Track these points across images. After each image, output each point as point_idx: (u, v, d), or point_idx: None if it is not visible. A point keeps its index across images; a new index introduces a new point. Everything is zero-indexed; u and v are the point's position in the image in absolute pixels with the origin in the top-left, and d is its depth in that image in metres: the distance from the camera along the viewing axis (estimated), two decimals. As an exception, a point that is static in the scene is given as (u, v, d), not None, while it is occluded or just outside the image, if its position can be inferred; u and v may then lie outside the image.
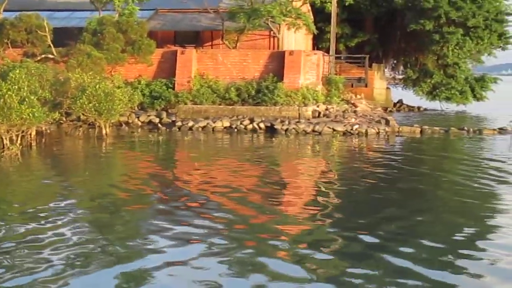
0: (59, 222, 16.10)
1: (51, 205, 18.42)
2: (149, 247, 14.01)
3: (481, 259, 13.22)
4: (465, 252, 13.71)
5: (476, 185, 22.46)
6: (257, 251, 13.78)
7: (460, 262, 12.92)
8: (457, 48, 58.49)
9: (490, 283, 11.99)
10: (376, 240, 14.59)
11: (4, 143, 29.31)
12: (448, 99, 61.39)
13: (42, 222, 16.15)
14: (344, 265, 12.89)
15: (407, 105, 63.53)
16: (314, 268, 12.67)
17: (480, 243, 14.52)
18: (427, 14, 56.67)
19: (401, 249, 13.91)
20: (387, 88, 63.04)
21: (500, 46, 61.66)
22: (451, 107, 62.72)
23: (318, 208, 18.52)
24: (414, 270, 12.30)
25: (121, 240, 14.66)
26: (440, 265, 12.91)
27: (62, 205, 18.47)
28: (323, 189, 21.73)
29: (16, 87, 31.19)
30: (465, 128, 40.86)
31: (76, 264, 12.70)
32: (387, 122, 40.83)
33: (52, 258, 12.95)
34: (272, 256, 13.46)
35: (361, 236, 14.88)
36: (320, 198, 20.08)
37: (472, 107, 61.81)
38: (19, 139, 29.99)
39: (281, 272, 12.21)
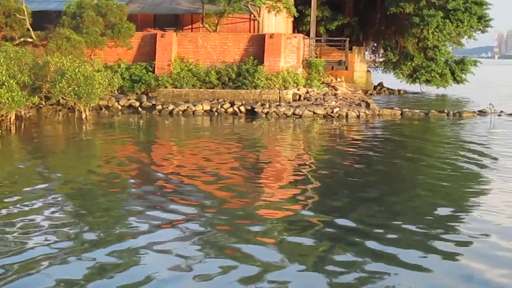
0: (35, 206, 16.10)
1: (28, 189, 18.34)
2: (125, 230, 14.05)
3: (454, 240, 13.29)
4: (438, 232, 13.82)
5: (453, 167, 22.62)
6: (231, 235, 13.82)
7: (434, 243, 12.99)
8: (437, 31, 58.61)
9: (463, 262, 12.09)
10: (353, 224, 14.67)
11: (-17, 127, 29.22)
12: (428, 82, 61.64)
13: (18, 205, 16.14)
14: (321, 247, 12.97)
15: (388, 88, 63.73)
16: (290, 251, 12.70)
17: (454, 224, 14.75)
18: (407, -4, 56.80)
19: (377, 230, 14.01)
20: (368, 71, 63.21)
21: (480, 29, 61.84)
22: (431, 90, 62.98)
23: (296, 191, 18.57)
24: (389, 251, 12.41)
25: (97, 225, 14.66)
26: (414, 246, 13.00)
27: (39, 189, 18.38)
28: (301, 172, 21.86)
29: (-5, 71, 31.05)
30: (445, 111, 41.08)
31: (50, 248, 12.68)
32: (368, 105, 40.97)
33: (26, 242, 12.98)
34: (246, 239, 13.51)
35: (338, 220, 14.97)
36: (298, 182, 20.14)
37: (452, 90, 62.14)
38: (-3, 123, 29.89)
39: (255, 256, 12.21)
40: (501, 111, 41.06)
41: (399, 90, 63.09)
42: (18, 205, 16.16)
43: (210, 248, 12.74)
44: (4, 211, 15.54)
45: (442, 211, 16.04)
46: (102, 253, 12.50)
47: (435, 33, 58.80)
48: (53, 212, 15.68)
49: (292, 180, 20.57)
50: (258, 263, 11.81)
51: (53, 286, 10.52)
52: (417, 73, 61.63)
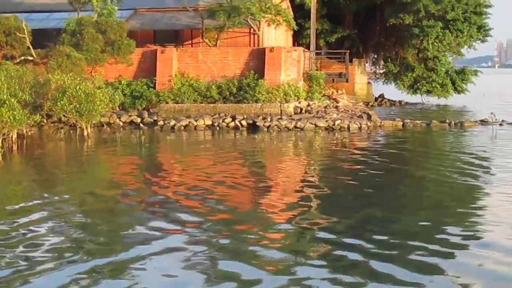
0: (36, 223, 16.12)
1: (30, 205, 18.37)
2: (123, 241, 14.16)
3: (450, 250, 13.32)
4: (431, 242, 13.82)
5: (455, 182, 22.35)
6: (234, 240, 13.84)
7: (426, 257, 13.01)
8: (437, 41, 58.72)
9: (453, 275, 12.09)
10: (358, 241, 14.65)
11: (-15, 146, 29.20)
12: (429, 92, 61.82)
13: (20, 221, 16.18)
14: (322, 249, 12.98)
15: (389, 100, 63.77)
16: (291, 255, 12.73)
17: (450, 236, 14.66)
18: (406, 8, 56.92)
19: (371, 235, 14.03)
20: (368, 82, 63.38)
21: (480, 39, 61.93)
22: (432, 101, 63.01)
23: (299, 209, 18.46)
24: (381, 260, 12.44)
25: (98, 240, 14.68)
26: (410, 260, 12.98)
27: (41, 206, 18.33)
28: (304, 188, 21.68)
29: (-4, 90, 31.07)
30: (447, 121, 41.02)
31: (52, 259, 12.73)
32: (369, 117, 40.91)
33: (28, 255, 13.09)
34: (248, 246, 13.52)
35: (343, 238, 14.99)
36: (300, 199, 20.00)
37: (453, 100, 62.11)
38: (0, 142, 29.86)
39: (258, 261, 12.27)
40: (503, 121, 40.98)
41: (400, 101, 63.16)
42: (20, 221, 16.20)
43: (214, 252, 12.85)
44: (6, 226, 15.60)
45: (451, 219, 16.09)
46: (106, 260, 12.59)
47: (435, 43, 58.90)
48: (51, 227, 15.76)
49: (295, 197, 20.45)
50: (261, 266, 11.96)
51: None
52: (418, 83, 61.82)
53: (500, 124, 40.20)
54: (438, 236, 14.53)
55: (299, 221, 16.49)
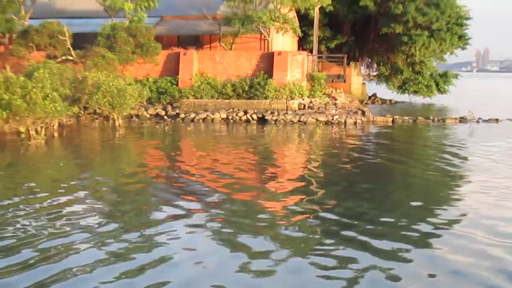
0: (73, 201, 16.29)
1: (68, 185, 18.52)
2: (151, 218, 14.26)
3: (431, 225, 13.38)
4: (416, 220, 13.87)
5: (435, 169, 22.60)
6: (242, 219, 13.91)
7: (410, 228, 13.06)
8: (423, 48, 58.75)
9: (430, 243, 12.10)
10: (350, 212, 14.68)
11: (31, 133, 29.32)
12: (416, 92, 61.85)
13: (60, 199, 16.32)
14: (319, 228, 13.01)
15: (380, 98, 63.60)
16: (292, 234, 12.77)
17: (426, 215, 14.70)
18: (397, 19, 56.86)
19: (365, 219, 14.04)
20: (363, 83, 63.28)
21: (460, 46, 61.79)
22: (418, 100, 62.89)
23: (301, 190, 18.59)
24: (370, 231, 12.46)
25: (126, 215, 14.78)
26: (394, 229, 12.99)
27: (78, 186, 18.59)
28: (305, 173, 21.77)
29: (40, 85, 31.21)
30: (431, 118, 41.05)
31: (89, 232, 12.84)
32: (363, 113, 40.92)
33: (65, 228, 13.29)
34: (253, 227, 13.57)
35: (335, 209, 15.01)
36: (302, 182, 20.08)
37: (437, 99, 61.98)
38: (43, 130, 30.00)
39: (263, 242, 12.32)
40: (479, 118, 40.95)
41: (390, 100, 62.93)
42: (59, 199, 16.35)
43: (230, 228, 12.90)
44: (46, 203, 15.69)
45: (429, 206, 16.14)
46: (129, 236, 12.67)
47: (422, 50, 58.97)
48: (88, 204, 15.92)
49: (299, 182, 20.44)
50: (272, 239, 11.97)
51: (87, 264, 10.66)
52: (406, 85, 61.88)
53: (477, 121, 40.18)
54: (421, 218, 14.61)
55: (302, 201, 16.55)
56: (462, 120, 40.77)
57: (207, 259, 11.39)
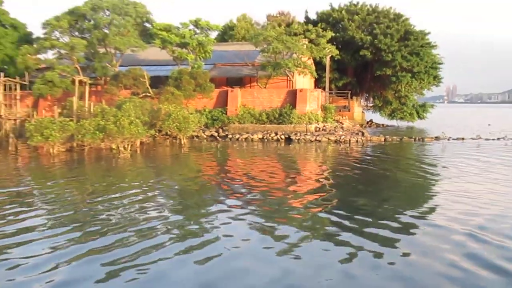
0: (147, 197, 16.51)
1: (145, 184, 18.75)
2: (203, 211, 14.26)
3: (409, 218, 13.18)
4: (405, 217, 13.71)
5: (418, 174, 22.40)
6: (273, 214, 13.85)
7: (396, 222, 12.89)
8: (407, 86, 58.67)
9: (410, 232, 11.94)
10: (350, 207, 14.58)
11: (120, 149, 29.68)
12: (401, 118, 61.81)
13: (138, 195, 16.53)
14: (330, 222, 12.93)
15: (375, 123, 63.30)
16: (309, 226, 12.70)
17: (412, 213, 14.53)
18: (388, 64, 56.74)
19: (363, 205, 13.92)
20: (362, 112, 63.07)
21: (435, 84, 61.69)
22: (403, 124, 62.50)
23: (316, 190, 18.55)
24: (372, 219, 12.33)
25: (187, 208, 14.84)
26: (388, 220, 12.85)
27: (151, 185, 18.83)
28: (319, 178, 21.72)
29: (127, 114, 31.65)
30: (413, 137, 40.87)
31: (160, 220, 12.96)
32: (363, 134, 40.86)
33: (143, 216, 13.52)
34: (280, 219, 13.51)
35: (344, 206, 14.91)
36: (317, 185, 20.06)
37: (417, 124, 61.60)
38: (129, 147, 30.34)
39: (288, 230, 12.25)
40: (450, 137, 40.76)
41: (382, 124, 62.55)
42: (141, 194, 16.53)
43: (264, 220, 12.88)
44: (130, 199, 15.87)
45: (412, 203, 15.98)
46: (188, 223, 12.76)
47: (406, 87, 58.95)
48: (160, 200, 16.13)
49: (316, 182, 20.45)
50: (294, 226, 11.94)
51: (157, 244, 10.74)
52: (394, 113, 61.92)
53: (448, 140, 39.84)
54: (405, 212, 14.46)
55: (316, 199, 16.49)
56: (437, 138, 40.53)
57: (243, 240, 11.50)
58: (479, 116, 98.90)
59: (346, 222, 13.11)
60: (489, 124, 61.68)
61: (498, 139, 40.18)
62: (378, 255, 10.50)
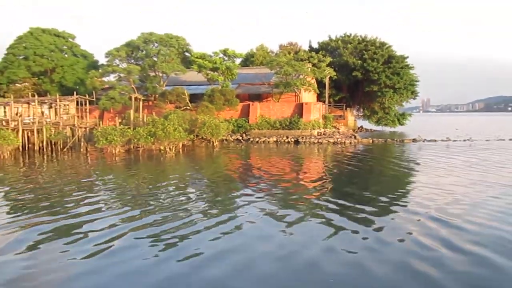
0: (184, 186, 16.54)
1: (183, 177, 18.85)
2: (230, 200, 14.30)
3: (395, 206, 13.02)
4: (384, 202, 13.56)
5: (397, 168, 22.16)
6: (281, 199, 13.75)
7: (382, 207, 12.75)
8: (390, 99, 58.03)
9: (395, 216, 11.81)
10: (343, 195, 14.49)
11: (167, 149, 29.90)
12: (386, 125, 61.12)
13: (179, 185, 16.61)
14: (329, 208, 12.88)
15: (365, 128, 62.69)
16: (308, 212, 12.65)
17: (392, 200, 14.40)
18: (374, 82, 56.30)
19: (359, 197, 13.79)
20: (354, 120, 62.47)
21: (412, 97, 60.91)
22: (387, 129, 61.87)
23: (318, 181, 18.48)
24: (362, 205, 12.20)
25: (215, 197, 14.89)
26: (376, 207, 12.75)
27: (188, 178, 18.89)
28: (320, 172, 21.64)
29: (172, 123, 31.85)
30: (395, 139, 40.37)
31: (196, 205, 13.02)
32: (355, 137, 40.50)
33: (183, 202, 13.48)
34: (288, 206, 13.48)
35: (342, 194, 14.81)
36: (319, 177, 19.99)
37: (398, 129, 60.96)
38: (174, 148, 30.56)
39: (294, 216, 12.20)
40: (425, 139, 40.21)
41: (371, 129, 61.95)
42: (181, 185, 16.59)
43: (279, 209, 12.84)
44: (173, 187, 15.99)
45: (390, 191, 15.83)
46: (216, 210, 12.81)
47: (389, 100, 58.25)
48: (197, 189, 16.12)
49: (318, 174, 20.41)
50: (300, 210, 11.86)
51: (194, 230, 10.83)
52: (380, 120, 61.30)
53: (423, 141, 39.31)
54: (383, 198, 14.35)
55: (317, 188, 16.46)
56: (414, 140, 39.94)
57: (259, 224, 11.44)
58: (448, 123, 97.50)
59: (334, 206, 13.10)
60: (456, 129, 60.78)
61: (464, 140, 39.60)
62: (355, 232, 10.47)
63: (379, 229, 10.63)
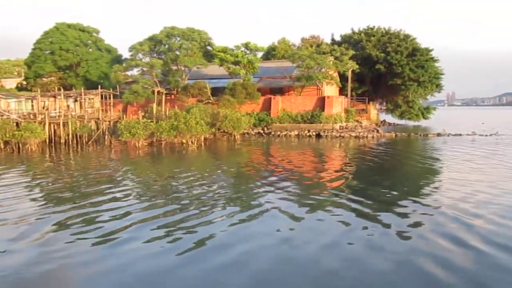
0: (207, 177, 16.65)
1: (206, 170, 19.01)
2: (251, 190, 14.36)
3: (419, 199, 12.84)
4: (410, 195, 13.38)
5: (420, 164, 21.86)
6: (303, 192, 13.75)
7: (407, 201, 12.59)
8: (414, 92, 57.02)
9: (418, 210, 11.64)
10: (362, 191, 14.39)
11: (189, 143, 30.14)
12: (409, 119, 60.07)
13: (202, 175, 16.72)
14: (351, 200, 12.81)
15: (388, 122, 61.90)
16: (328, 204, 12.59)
17: (419, 193, 14.19)
18: (398, 75, 55.35)
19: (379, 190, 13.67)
20: (377, 113, 61.71)
21: (437, 91, 59.68)
22: (411, 123, 60.96)
23: (339, 174, 18.37)
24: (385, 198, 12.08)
25: (237, 187, 14.95)
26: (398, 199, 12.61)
27: (214, 168, 19.02)
28: (342, 165, 21.52)
29: (194, 116, 32.04)
30: (419, 133, 39.80)
31: (217, 195, 13.11)
32: (378, 131, 40.04)
33: (204, 192, 13.56)
34: (311, 197, 13.45)
35: (361, 187, 14.71)
36: (341, 168, 19.88)
37: (422, 123, 60.00)
38: (195, 141, 30.77)
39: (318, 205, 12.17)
40: (449, 133, 39.53)
41: (394, 123, 61.15)
42: (203, 177, 16.76)
43: (297, 205, 12.86)
44: (196, 178, 16.12)
45: (413, 187, 15.61)
46: (237, 201, 12.86)
47: (413, 94, 57.26)
48: (219, 180, 16.23)
49: (339, 167, 20.29)
50: (320, 208, 11.83)
51: (216, 218, 10.94)
52: (403, 114, 60.25)
53: (448, 135, 38.64)
54: (405, 195, 14.17)
55: (337, 183, 16.38)
56: (438, 135, 39.32)
57: (278, 215, 11.51)
58: (474, 117, 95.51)
59: (354, 203, 12.91)
60: (482, 123, 59.53)
61: (490, 135, 38.75)
62: (385, 226, 10.33)
63: (388, 224, 10.49)
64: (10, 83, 61.61)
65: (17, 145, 29.48)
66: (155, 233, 9.92)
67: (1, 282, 7.62)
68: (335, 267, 8.07)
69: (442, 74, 58.79)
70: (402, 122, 61.81)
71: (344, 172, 18.65)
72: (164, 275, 7.78)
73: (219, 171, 19.18)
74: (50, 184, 16.23)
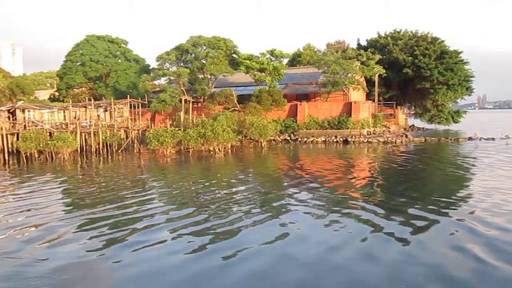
0: (239, 183, 16.70)
1: (233, 177, 19.15)
2: (277, 197, 14.34)
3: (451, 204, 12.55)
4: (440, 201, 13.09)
5: (451, 170, 21.45)
6: (331, 197, 13.63)
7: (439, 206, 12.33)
8: (443, 96, 55.92)
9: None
10: (402, 200, 14.17)
11: (216, 150, 30.32)
12: (439, 123, 58.96)
13: (228, 183, 16.79)
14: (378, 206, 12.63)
15: (417, 127, 60.84)
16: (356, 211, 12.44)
17: (448, 200, 13.89)
18: (426, 78, 54.39)
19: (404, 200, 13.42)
20: (405, 118, 60.74)
21: (467, 94, 58.42)
22: (440, 127, 59.73)
23: (367, 181, 18.15)
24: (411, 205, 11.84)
25: (265, 194, 14.94)
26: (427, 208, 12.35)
27: (242, 177, 19.11)
28: (370, 171, 21.27)
29: (221, 124, 32.24)
30: (449, 138, 38.99)
31: (243, 201, 13.11)
32: (406, 136, 39.44)
33: (232, 199, 13.67)
34: (338, 204, 13.32)
35: (389, 195, 14.50)
36: (369, 175, 19.66)
37: (452, 127, 58.67)
38: (222, 149, 30.93)
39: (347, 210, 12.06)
40: (481, 137, 38.58)
41: (423, 128, 60.10)
42: (231, 184, 16.83)
43: (322, 210, 12.75)
44: (223, 185, 16.19)
45: (443, 195, 15.32)
46: (264, 205, 12.85)
47: (442, 97, 56.17)
48: (246, 187, 16.24)
49: (367, 175, 20.05)
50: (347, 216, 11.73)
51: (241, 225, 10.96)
52: (433, 118, 59.22)
53: (480, 139, 37.70)
54: (434, 203, 13.88)
55: (365, 190, 16.19)
56: (470, 139, 38.44)
57: (299, 220, 11.59)
58: (507, 120, 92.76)
59: (382, 210, 12.72)
60: (515, 126, 57.92)
61: (524, 138, 37.59)
62: (403, 234, 10.22)
63: (424, 234, 10.30)
64: (44, 95, 63.62)
65: (50, 154, 30.31)
66: (188, 239, 10.16)
67: (43, 284, 7.90)
68: (370, 277, 7.98)
69: (472, 76, 57.51)
70: (432, 126, 60.72)
71: (373, 180, 18.40)
72: (201, 280, 7.95)
73: (246, 179, 19.20)
74: (82, 189, 16.65)
